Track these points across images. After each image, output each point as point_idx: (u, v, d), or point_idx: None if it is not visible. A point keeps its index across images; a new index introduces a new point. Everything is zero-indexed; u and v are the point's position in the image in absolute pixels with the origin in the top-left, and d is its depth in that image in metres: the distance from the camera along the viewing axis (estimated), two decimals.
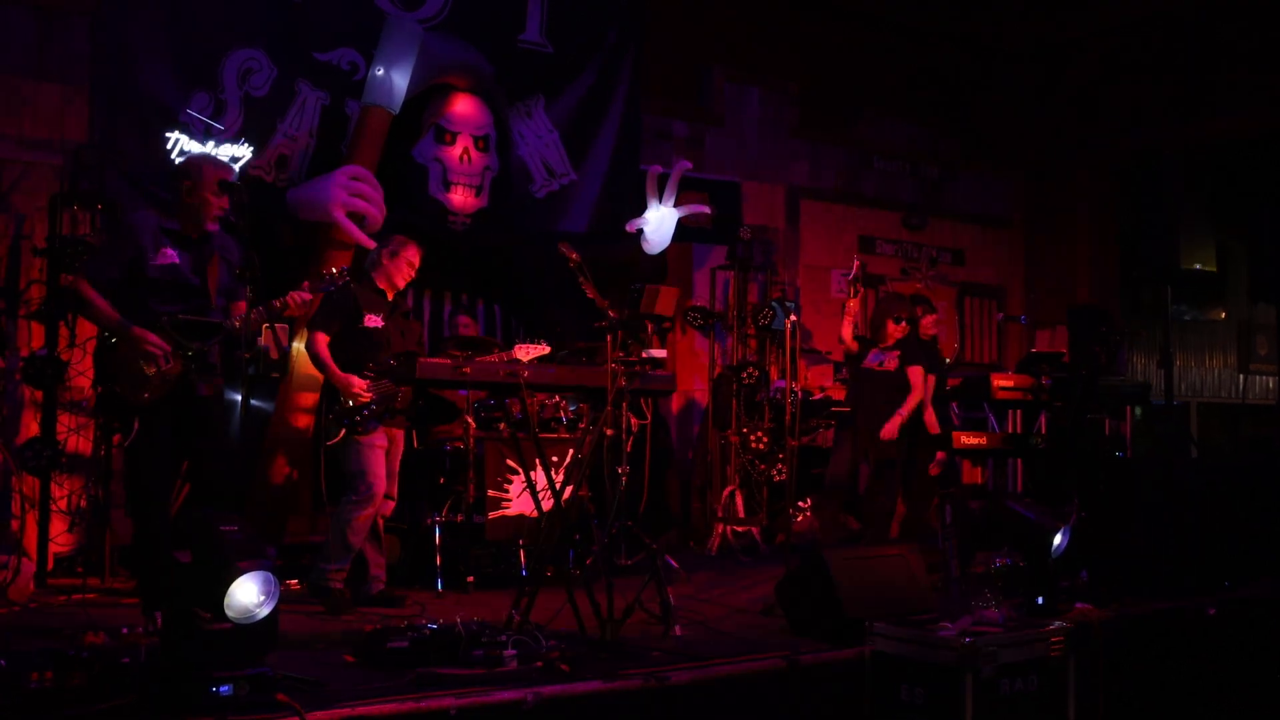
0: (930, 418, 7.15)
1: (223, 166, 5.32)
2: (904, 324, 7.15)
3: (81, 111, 7.03)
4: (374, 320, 5.91)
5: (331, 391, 5.90)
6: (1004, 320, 7.31)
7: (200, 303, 5.08)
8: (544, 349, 6.37)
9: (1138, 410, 7.85)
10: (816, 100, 10.72)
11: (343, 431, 5.78)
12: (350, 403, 5.75)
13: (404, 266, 6.09)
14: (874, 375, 7.13)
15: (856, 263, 7.04)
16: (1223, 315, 13.96)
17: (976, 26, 11.35)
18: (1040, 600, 5.23)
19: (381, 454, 5.83)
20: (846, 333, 7.30)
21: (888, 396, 7.05)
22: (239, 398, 4.88)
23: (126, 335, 4.90)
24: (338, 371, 5.78)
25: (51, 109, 7.02)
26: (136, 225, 5.12)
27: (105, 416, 5.32)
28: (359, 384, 5.76)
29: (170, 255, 5.05)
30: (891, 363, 7.10)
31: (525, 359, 6.17)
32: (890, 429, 6.90)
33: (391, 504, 6.04)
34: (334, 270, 5.46)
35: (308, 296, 5.26)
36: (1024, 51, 11.81)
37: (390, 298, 6.09)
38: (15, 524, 6.52)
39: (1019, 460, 8.87)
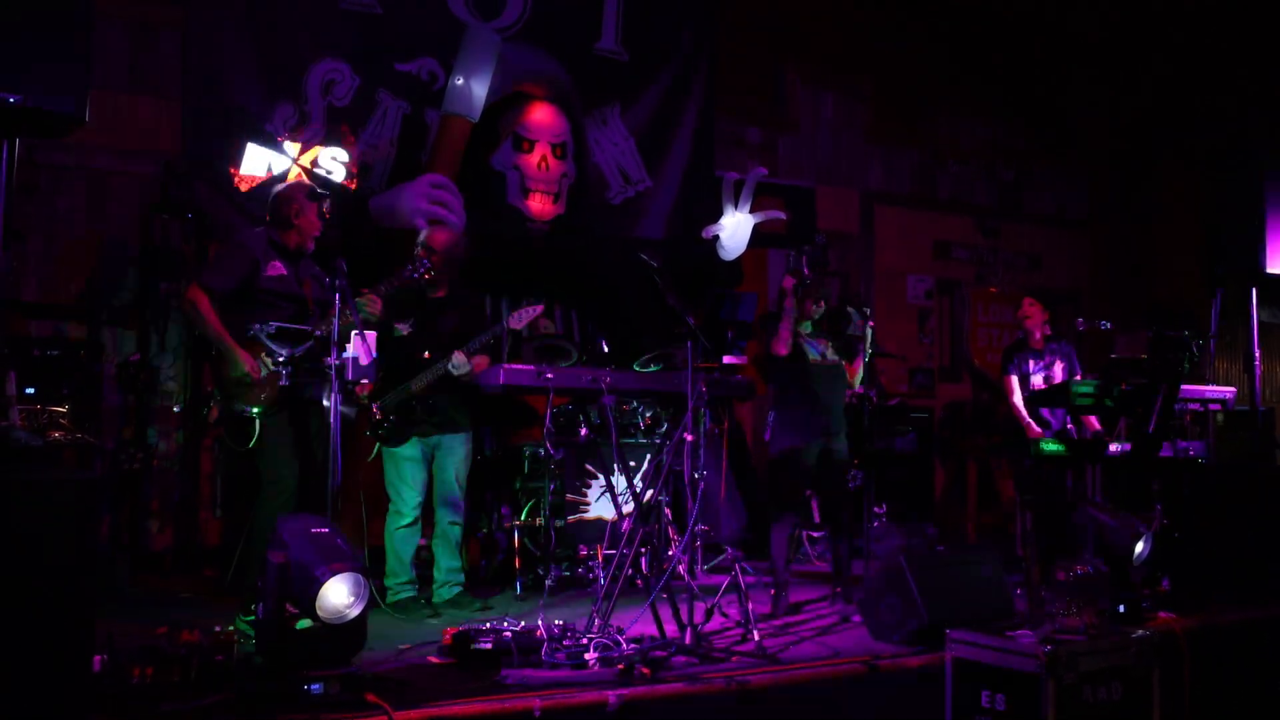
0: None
1: (320, 194, 5.42)
2: None
3: (173, 123, 7.22)
4: (402, 327, 5.84)
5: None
6: (1086, 326, 7.21)
7: (302, 314, 5.25)
8: (536, 309, 5.91)
9: (1220, 416, 7.70)
10: (890, 102, 10.67)
11: (376, 447, 5.83)
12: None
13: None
14: None
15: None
16: None
17: (1051, 19, 11.18)
18: (1122, 608, 5.18)
19: (412, 465, 5.78)
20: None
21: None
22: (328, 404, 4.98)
23: (225, 350, 5.07)
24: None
25: (144, 121, 7.24)
26: (250, 240, 5.32)
27: (224, 424, 5.49)
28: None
29: (279, 268, 5.25)
30: None
31: (520, 326, 5.92)
32: None
33: (459, 506, 5.93)
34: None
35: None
36: (1100, 44, 11.60)
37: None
38: (109, 523, 6.73)
39: (1097, 467, 8.74)
